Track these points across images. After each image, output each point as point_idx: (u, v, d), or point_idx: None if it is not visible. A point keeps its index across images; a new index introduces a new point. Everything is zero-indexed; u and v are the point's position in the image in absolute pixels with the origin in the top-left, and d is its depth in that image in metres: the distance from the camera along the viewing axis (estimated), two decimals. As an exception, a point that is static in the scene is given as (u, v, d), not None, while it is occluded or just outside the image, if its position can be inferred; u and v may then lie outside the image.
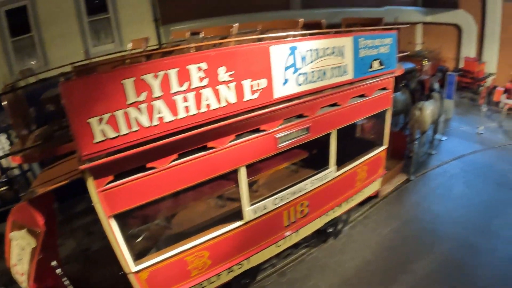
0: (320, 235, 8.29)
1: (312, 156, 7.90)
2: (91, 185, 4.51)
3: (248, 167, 5.77)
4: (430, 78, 17.20)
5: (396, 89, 12.79)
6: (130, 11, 13.46)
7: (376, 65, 7.38)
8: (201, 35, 6.86)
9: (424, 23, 23.49)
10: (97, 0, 13.01)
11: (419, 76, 15.18)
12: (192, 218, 6.62)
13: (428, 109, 11.23)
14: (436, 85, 13.30)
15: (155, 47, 9.60)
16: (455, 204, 9.94)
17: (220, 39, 6.01)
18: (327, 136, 6.87)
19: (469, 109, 16.54)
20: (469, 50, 21.88)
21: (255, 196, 6.37)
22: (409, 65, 15.67)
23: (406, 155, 11.50)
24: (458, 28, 22.47)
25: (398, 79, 13.13)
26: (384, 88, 7.92)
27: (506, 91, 17.00)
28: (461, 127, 15.48)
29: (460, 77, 19.21)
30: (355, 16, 16.00)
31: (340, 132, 7.02)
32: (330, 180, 7.34)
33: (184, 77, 4.58)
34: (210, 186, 6.75)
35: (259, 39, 5.65)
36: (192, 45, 5.31)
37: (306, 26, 6.69)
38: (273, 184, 7.04)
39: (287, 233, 6.97)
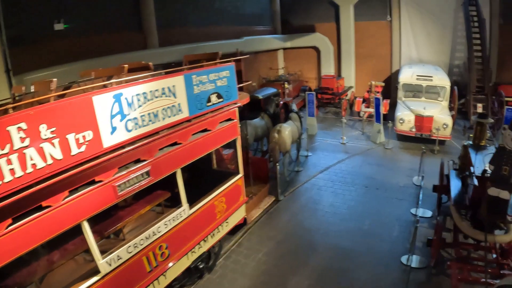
0: (194, 272, 8.49)
1: (175, 195, 8.15)
2: None
3: (108, 216, 5.83)
4: (293, 99, 18.63)
5: (256, 116, 13.72)
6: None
7: (214, 98, 7.94)
8: (32, 89, 6.84)
9: (285, 49, 25.42)
10: None
11: (278, 100, 16.32)
12: (61, 279, 6.45)
13: (286, 130, 12.18)
14: (294, 106, 14.45)
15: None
16: (326, 214, 10.87)
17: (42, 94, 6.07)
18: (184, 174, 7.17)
19: (334, 123, 18.22)
20: (328, 68, 24.33)
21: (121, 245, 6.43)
22: (271, 90, 16.81)
23: (271, 177, 12.18)
24: (317, 49, 24.80)
25: (256, 106, 14.13)
26: (229, 119, 8.50)
27: (365, 100, 18.95)
28: (327, 140, 17.03)
29: (321, 94, 20.99)
30: (215, 49, 16.84)
31: (194, 168, 7.36)
32: (186, 218, 7.60)
33: (4, 139, 4.60)
34: (73, 243, 6.68)
35: (83, 91, 5.83)
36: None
37: (134, 70, 7.04)
38: (141, 229, 7.07)
39: (153, 278, 7.09)
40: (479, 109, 18.42)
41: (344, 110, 19.47)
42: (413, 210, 10.76)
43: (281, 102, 16.44)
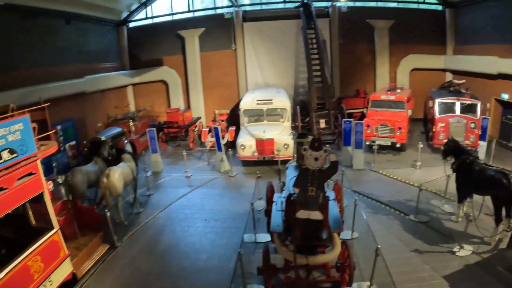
0: None
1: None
2: None
3: None
4: (139, 137, 18.75)
5: (89, 161, 13.61)
6: None
7: (6, 155, 7.81)
8: None
9: (134, 84, 25.60)
10: None
11: (120, 139, 16.36)
12: None
13: (116, 174, 12.24)
14: (128, 146, 14.59)
15: None
16: (164, 255, 11.04)
17: None
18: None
19: (182, 156, 18.30)
20: (178, 100, 25.07)
21: None
22: (116, 130, 16.79)
23: (104, 224, 11.96)
24: (165, 83, 25.43)
25: (93, 150, 14.02)
26: (29, 174, 8.40)
27: (210, 130, 19.68)
28: (172, 175, 17.35)
29: (167, 129, 21.42)
30: (54, 91, 16.40)
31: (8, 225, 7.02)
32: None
33: None
34: None
35: None
36: None
37: None
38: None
39: None
40: (322, 125, 20.16)
41: (191, 142, 20.04)
42: (247, 237, 11.34)
43: (126, 142, 16.53)
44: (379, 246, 8.70)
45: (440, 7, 26.61)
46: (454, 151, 12.13)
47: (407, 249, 10.66)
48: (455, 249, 10.40)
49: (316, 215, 7.48)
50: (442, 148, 12.73)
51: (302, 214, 7.49)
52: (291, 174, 9.38)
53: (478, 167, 11.13)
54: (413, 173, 16.63)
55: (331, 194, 9.87)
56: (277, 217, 8.85)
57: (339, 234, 8.70)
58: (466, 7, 24.14)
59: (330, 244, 8.21)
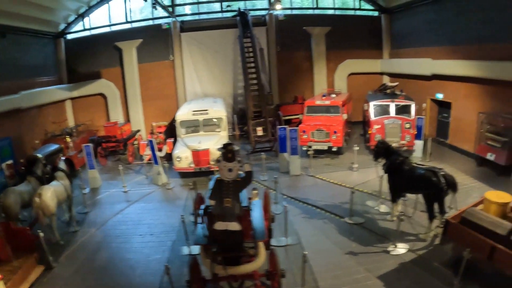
0: None
1: None
2: None
3: None
4: (77, 153, 18.82)
5: (22, 180, 13.67)
6: None
7: None
8: None
9: (73, 98, 25.51)
10: None
11: (57, 156, 16.45)
12: None
13: (48, 192, 12.34)
14: (62, 164, 14.77)
15: None
16: (99, 275, 10.99)
17: None
18: None
19: (122, 170, 18.33)
20: (117, 114, 25.20)
21: None
22: (53, 147, 16.81)
23: (37, 245, 11.65)
24: (104, 96, 25.51)
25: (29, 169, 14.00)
26: None
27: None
28: (110, 190, 17.49)
29: (106, 143, 21.71)
30: None
31: None
32: None
33: None
34: None
35: None
36: None
37: None
38: None
39: None
40: (259, 132, 20.93)
41: (130, 156, 20.30)
42: (184, 250, 11.58)
43: (63, 158, 16.55)
44: (306, 253, 9.06)
45: (376, 13, 28.13)
46: (384, 152, 12.66)
47: (342, 252, 11.04)
48: (389, 248, 10.90)
49: (234, 226, 7.55)
50: (373, 150, 13.37)
51: (219, 225, 7.55)
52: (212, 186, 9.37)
53: (408, 166, 11.76)
54: (350, 176, 17.40)
55: (258, 203, 10.03)
56: (202, 229, 8.66)
57: (266, 243, 9.13)
58: (400, 13, 25.79)
59: (254, 254, 8.39)
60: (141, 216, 14.64)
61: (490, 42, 16.91)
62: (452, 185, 10.99)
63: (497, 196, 9.98)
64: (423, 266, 10.07)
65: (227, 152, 7.99)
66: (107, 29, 26.95)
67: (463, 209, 10.06)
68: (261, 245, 8.51)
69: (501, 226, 8.77)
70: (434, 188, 10.91)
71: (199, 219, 8.58)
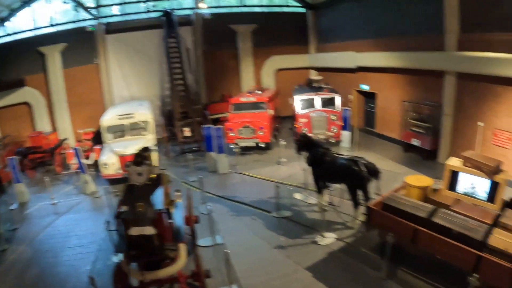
0: None
1: None
2: None
3: None
4: (3, 167, 18.36)
5: None
6: None
7: None
8: None
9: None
10: None
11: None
12: None
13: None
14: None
15: None
16: None
17: None
18: None
19: (51, 182, 18.12)
20: (43, 123, 24.63)
21: None
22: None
23: None
24: (29, 105, 24.72)
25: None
26: None
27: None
28: (39, 204, 17.09)
29: (32, 154, 21.15)
30: None
31: None
32: None
33: None
34: None
35: None
36: None
37: None
38: None
39: None
40: (187, 133, 21.39)
41: (57, 166, 20.00)
42: (115, 258, 11.33)
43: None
44: (227, 251, 9.49)
45: (303, 10, 29.18)
46: (306, 145, 13.26)
47: (270, 246, 11.46)
48: (317, 239, 11.43)
49: (149, 230, 7.60)
50: (295, 143, 13.96)
51: (134, 231, 7.56)
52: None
53: (330, 157, 12.40)
54: (278, 170, 18.14)
55: (180, 204, 10.06)
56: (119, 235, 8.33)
57: (189, 244, 9.29)
58: (326, 9, 27.11)
59: (175, 256, 8.36)
60: (70, 228, 14.45)
61: (410, 34, 18.35)
62: (374, 172, 11.72)
63: (417, 180, 10.84)
64: (351, 254, 10.69)
65: (136, 156, 8.19)
66: (31, 34, 25.78)
67: (384, 195, 10.61)
68: (181, 246, 8.46)
69: (422, 209, 9.47)
70: (356, 177, 11.53)
71: (115, 226, 8.51)
